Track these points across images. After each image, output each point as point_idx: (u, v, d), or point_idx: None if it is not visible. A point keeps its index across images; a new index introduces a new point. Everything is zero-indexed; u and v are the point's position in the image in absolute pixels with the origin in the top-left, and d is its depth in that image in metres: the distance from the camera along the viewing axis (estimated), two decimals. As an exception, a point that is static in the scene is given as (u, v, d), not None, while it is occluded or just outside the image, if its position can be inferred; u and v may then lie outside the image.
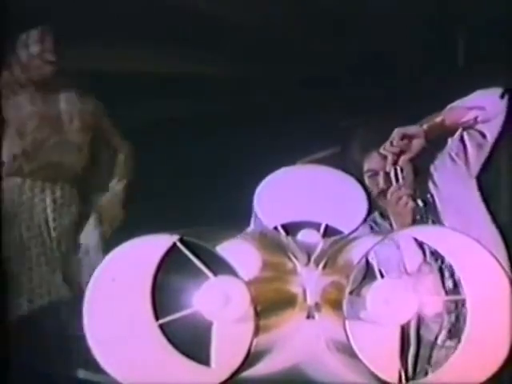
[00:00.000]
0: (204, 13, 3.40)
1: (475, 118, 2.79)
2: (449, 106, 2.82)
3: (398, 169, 2.80)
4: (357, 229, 2.44)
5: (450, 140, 2.88)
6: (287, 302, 2.16)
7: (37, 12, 3.29)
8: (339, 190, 2.46)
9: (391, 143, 2.72)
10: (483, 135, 2.82)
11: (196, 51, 3.53)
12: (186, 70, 3.61)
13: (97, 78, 3.49)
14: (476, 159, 2.86)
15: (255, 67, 3.59)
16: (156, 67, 3.60)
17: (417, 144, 2.73)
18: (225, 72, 3.60)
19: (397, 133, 2.72)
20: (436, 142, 2.84)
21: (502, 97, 2.77)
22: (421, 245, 2.77)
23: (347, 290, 2.16)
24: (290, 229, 2.40)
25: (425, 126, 2.76)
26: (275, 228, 2.37)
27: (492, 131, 2.82)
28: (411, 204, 2.80)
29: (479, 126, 2.80)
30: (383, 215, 2.88)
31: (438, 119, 2.79)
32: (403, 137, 2.71)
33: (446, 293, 2.71)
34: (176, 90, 3.54)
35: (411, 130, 2.73)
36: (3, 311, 3.29)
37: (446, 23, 3.42)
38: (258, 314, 2.06)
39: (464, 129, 2.84)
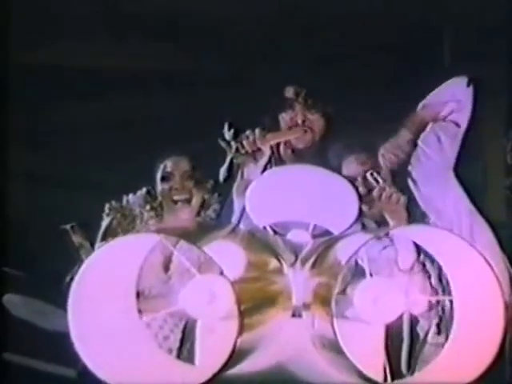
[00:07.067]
0: (203, 13, 3.41)
1: (451, 111, 2.86)
2: (421, 104, 2.87)
3: (375, 173, 2.84)
4: (347, 230, 2.44)
5: (421, 135, 2.93)
6: (271, 301, 2.16)
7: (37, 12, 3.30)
8: (330, 191, 2.46)
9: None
10: (457, 124, 2.87)
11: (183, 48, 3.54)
12: (175, 66, 3.62)
13: (97, 76, 3.51)
14: (451, 149, 2.88)
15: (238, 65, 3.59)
16: (154, 64, 3.62)
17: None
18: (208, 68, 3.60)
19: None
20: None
21: (469, 85, 2.83)
22: (416, 244, 2.76)
23: (335, 291, 2.16)
24: (280, 228, 2.40)
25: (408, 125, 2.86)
26: (264, 227, 2.37)
27: (464, 119, 2.87)
28: (403, 199, 2.82)
29: (452, 117, 2.86)
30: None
31: (417, 118, 2.86)
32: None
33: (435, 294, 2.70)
34: (166, 87, 3.55)
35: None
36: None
37: (432, 24, 3.41)
38: (242, 313, 2.06)
39: (435, 122, 2.89)
